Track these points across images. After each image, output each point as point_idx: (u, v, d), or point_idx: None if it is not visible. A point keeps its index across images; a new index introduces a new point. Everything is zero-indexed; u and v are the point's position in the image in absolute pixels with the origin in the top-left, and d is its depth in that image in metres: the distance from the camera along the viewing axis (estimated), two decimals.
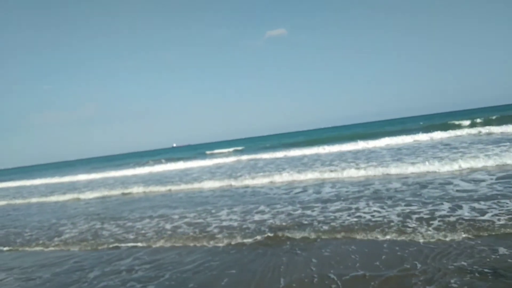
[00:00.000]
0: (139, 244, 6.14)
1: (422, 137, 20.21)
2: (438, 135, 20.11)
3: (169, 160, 36.00)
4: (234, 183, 12.07)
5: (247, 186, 11.31)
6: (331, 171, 11.71)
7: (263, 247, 5.22)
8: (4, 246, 7.29)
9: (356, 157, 15.45)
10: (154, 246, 5.98)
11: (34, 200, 14.92)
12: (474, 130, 20.55)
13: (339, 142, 27.65)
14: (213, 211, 8.13)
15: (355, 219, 5.94)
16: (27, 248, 6.94)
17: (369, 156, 15.18)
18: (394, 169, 10.21)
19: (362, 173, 10.55)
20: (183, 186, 12.87)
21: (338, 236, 5.24)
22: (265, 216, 6.95)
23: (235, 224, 6.66)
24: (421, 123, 41.92)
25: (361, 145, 20.70)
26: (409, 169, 10.04)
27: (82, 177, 25.83)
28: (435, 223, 5.26)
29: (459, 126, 28.30)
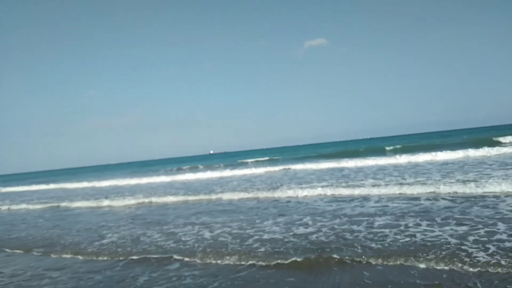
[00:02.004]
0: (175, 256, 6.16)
1: (468, 152, 19.33)
2: (486, 151, 19.12)
3: (208, 167, 36.48)
4: (275, 194, 11.92)
5: (289, 197, 11.17)
6: (375, 185, 11.39)
7: (306, 269, 5.02)
8: (49, 248, 7.54)
9: (400, 172, 14.97)
10: (190, 259, 5.94)
11: (79, 204, 15.29)
12: None
13: (379, 154, 27.08)
14: (257, 221, 8.08)
15: (407, 239, 5.68)
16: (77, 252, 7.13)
17: (414, 171, 14.67)
18: (442, 186, 9.74)
19: (406, 189, 10.14)
20: (221, 195, 12.85)
21: (395, 261, 4.82)
22: (309, 230, 6.80)
23: (279, 236, 6.55)
24: (465, 137, 40.32)
25: (404, 159, 20.09)
26: (458, 187, 9.57)
27: (124, 181, 26.52)
28: (491, 248, 4.93)
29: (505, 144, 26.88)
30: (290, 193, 11.65)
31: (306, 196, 11.04)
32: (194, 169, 35.99)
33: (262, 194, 12.08)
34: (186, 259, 5.78)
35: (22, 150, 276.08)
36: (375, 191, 10.36)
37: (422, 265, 4.59)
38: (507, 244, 4.98)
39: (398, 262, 4.73)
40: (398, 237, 5.82)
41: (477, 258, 4.56)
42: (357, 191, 10.65)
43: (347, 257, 5.06)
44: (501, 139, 28.27)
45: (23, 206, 16.27)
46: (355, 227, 6.69)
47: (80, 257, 6.55)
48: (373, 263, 4.83)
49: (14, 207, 16.39)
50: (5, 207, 16.46)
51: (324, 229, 6.75)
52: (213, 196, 12.91)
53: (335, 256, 5.15)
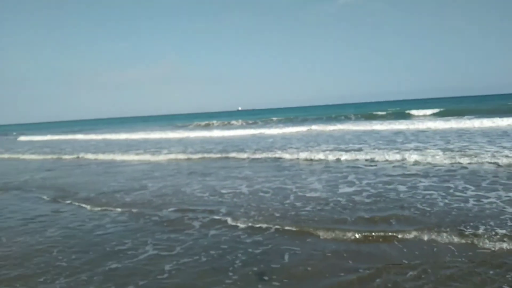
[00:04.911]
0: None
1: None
2: None
3: (241, 124, 36.60)
4: (311, 155, 11.81)
5: (327, 160, 11.13)
6: (416, 149, 11.25)
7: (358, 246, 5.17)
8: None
9: (444, 136, 14.66)
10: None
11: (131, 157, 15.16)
12: None
13: (421, 119, 26.38)
14: (297, 180, 8.22)
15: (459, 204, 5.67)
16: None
17: (458, 136, 14.35)
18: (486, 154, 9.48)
19: (450, 155, 9.92)
20: (258, 155, 12.88)
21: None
22: (352, 189, 6.88)
23: (323, 195, 6.67)
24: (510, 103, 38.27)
25: (451, 123, 19.33)
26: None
27: (162, 135, 27.10)
28: None
29: None
30: (330, 156, 11.20)
31: (347, 159, 10.78)
32: (226, 126, 36.40)
33: (301, 155, 12.03)
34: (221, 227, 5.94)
35: (60, 100, 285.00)
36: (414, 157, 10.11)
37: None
38: None
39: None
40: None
41: None
42: (398, 156, 10.49)
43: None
44: None
45: (110, 157, 15.71)
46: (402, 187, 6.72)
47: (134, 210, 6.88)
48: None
49: (82, 155, 16.66)
50: (74, 156, 16.98)
51: (368, 189, 6.82)
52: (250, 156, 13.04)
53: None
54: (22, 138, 37.42)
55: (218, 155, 13.28)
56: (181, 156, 13.78)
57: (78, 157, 16.22)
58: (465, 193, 6.34)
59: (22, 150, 21.54)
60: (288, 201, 6.49)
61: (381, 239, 4.57)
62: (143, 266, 4.21)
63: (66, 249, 4.86)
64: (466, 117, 22.31)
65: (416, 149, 11.34)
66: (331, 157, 10.99)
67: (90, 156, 16.20)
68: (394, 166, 9.21)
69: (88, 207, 7.09)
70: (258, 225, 5.33)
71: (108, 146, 20.82)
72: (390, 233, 4.67)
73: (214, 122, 41.58)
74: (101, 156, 15.78)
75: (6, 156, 19.56)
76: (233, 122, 38.74)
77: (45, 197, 8.20)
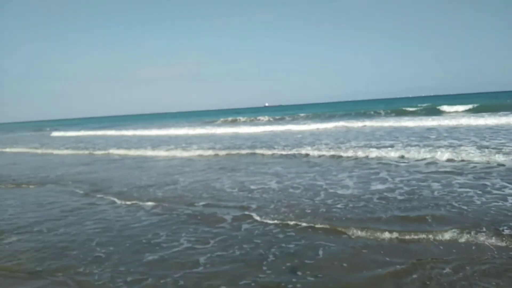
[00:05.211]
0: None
1: None
2: None
3: (269, 120, 36.61)
4: (341, 151, 11.65)
5: (358, 157, 10.97)
6: (450, 146, 10.96)
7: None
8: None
9: (478, 133, 14.20)
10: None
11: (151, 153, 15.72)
12: None
13: (454, 115, 25.68)
14: (327, 182, 8.17)
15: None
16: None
17: (494, 132, 13.88)
18: None
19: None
20: (287, 151, 12.88)
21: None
22: (385, 186, 6.78)
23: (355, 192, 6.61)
24: None
25: (485, 119, 18.63)
26: None
27: (185, 131, 27.49)
28: None
29: None
30: (361, 153, 11.01)
31: (378, 156, 10.50)
32: (253, 122, 36.52)
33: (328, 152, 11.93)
34: (253, 222, 6.00)
35: (93, 97, 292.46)
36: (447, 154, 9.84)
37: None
38: None
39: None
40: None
41: None
42: (431, 153, 10.25)
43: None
44: None
45: (140, 152, 16.02)
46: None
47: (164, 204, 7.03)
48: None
49: (124, 152, 16.61)
50: (104, 152, 17.41)
51: (401, 186, 6.71)
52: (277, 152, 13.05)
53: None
54: (55, 133, 38.80)
55: (247, 151, 13.35)
56: (211, 152, 13.92)
57: (110, 153, 16.63)
58: (503, 191, 6.14)
59: (57, 145, 22.31)
60: (319, 198, 6.47)
61: (416, 238, 4.48)
62: (178, 258, 4.31)
63: (104, 241, 5.03)
64: (501, 113, 21.51)
65: (450, 146, 11.05)
66: (361, 153, 10.84)
67: (122, 151, 16.61)
68: (427, 163, 9.01)
69: (122, 201, 7.30)
70: (289, 221, 5.34)
71: (140, 142, 21.29)
72: (425, 232, 4.57)
73: (241, 118, 41.68)
74: (133, 152, 16.15)
75: (40, 151, 20.26)
76: (260, 118, 38.75)
77: (81, 191, 8.49)
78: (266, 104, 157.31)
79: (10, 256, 4.69)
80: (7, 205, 7.56)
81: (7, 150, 22.14)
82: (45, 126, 71.22)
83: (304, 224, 5.17)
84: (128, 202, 7.13)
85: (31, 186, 9.60)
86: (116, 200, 7.40)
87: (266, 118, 38.45)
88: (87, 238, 5.19)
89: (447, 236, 4.42)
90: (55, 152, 19.24)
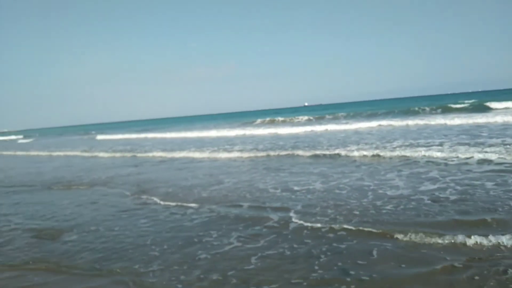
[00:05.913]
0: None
1: None
2: None
3: (310, 120, 36.26)
4: (388, 151, 11.39)
5: (405, 156, 10.65)
6: (503, 143, 10.43)
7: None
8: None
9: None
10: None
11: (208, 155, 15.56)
12: None
13: (504, 112, 24.42)
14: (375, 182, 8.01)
15: None
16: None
17: None
18: None
19: None
20: (331, 151, 12.73)
21: None
22: (436, 186, 6.56)
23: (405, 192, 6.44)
24: None
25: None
26: None
27: (226, 133, 27.85)
28: None
29: None
30: (408, 152, 10.69)
31: (426, 155, 10.03)
32: (294, 122, 36.40)
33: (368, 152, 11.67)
34: (301, 222, 5.99)
35: (134, 100, 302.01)
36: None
37: None
38: None
39: None
40: None
41: None
42: (484, 151, 9.79)
43: None
44: None
45: (184, 154, 16.27)
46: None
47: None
48: None
49: (169, 155, 16.80)
50: (149, 154, 17.86)
51: (453, 185, 6.46)
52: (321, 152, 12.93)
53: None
54: (100, 137, 40.43)
55: (290, 151, 13.34)
56: (253, 153, 14.04)
57: (154, 155, 17.10)
58: None
59: (103, 148, 23.28)
60: (367, 199, 6.36)
61: (473, 243, 4.26)
62: (230, 256, 4.40)
63: (158, 240, 5.21)
64: None
65: (503, 143, 10.53)
66: (409, 152, 10.54)
67: (166, 153, 17.07)
68: (479, 162, 8.62)
69: (170, 201, 7.49)
70: (337, 223, 5.28)
71: (183, 144, 21.79)
72: (482, 236, 4.34)
73: (279, 118, 41.56)
74: (177, 153, 16.56)
75: (89, 154, 21.18)
76: (301, 117, 38.51)
77: (130, 192, 8.80)
78: (306, 104, 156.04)
79: (71, 254, 4.96)
80: (65, 204, 8.00)
81: (61, 153, 23.32)
82: (90, 129, 74.41)
83: (353, 226, 5.10)
84: (177, 203, 7.32)
85: (81, 187, 10.10)
86: (164, 201, 7.61)
87: (305, 117, 38.15)
88: (142, 237, 5.39)
89: (506, 239, 4.20)
90: (101, 154, 20.07)
